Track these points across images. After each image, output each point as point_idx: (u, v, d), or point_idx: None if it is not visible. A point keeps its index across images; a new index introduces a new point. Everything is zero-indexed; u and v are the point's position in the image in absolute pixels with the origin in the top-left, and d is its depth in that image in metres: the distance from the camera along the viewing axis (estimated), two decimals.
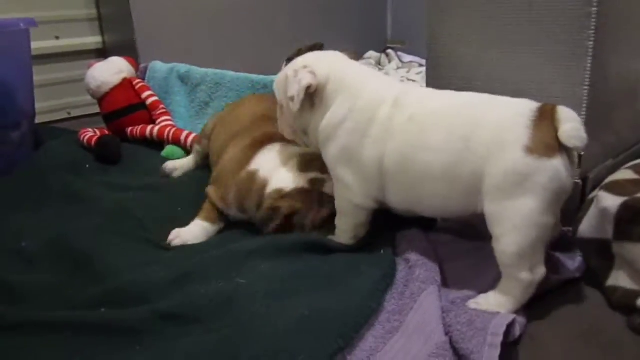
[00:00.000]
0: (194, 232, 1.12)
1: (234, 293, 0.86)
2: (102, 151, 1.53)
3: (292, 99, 0.96)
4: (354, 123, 0.94)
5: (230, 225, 1.18)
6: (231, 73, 1.68)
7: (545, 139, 0.81)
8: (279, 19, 2.39)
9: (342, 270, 0.93)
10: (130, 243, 1.10)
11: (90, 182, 1.40)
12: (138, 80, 1.74)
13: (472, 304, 0.85)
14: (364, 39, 2.77)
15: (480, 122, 0.85)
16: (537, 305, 0.88)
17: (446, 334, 0.79)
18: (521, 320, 0.82)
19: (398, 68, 2.60)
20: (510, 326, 0.78)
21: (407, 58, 2.72)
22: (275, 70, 2.13)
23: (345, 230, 1.01)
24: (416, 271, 0.92)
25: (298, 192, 1.03)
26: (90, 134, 1.61)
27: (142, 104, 1.70)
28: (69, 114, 2.15)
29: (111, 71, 1.72)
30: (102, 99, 1.73)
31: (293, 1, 2.43)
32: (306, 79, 0.95)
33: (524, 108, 0.85)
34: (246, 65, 1.90)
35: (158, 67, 1.84)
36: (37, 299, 0.95)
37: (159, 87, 1.79)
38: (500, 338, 0.76)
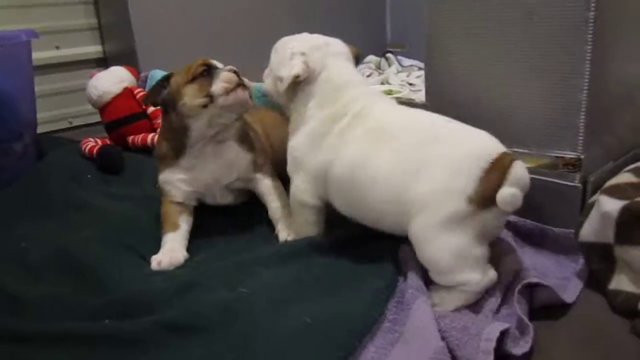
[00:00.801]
0: (168, 248, 1.08)
1: (237, 303, 0.86)
2: (104, 161, 1.54)
3: (280, 79, 1.01)
4: (317, 126, 0.99)
5: (229, 235, 1.18)
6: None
7: (487, 192, 0.82)
8: (278, 25, 2.40)
9: (344, 279, 0.94)
10: (132, 254, 1.11)
11: (92, 192, 1.41)
12: (139, 90, 1.75)
13: (435, 298, 0.87)
14: (364, 42, 2.76)
15: (434, 160, 0.86)
16: (538, 309, 0.88)
17: (442, 339, 0.79)
18: (529, 332, 0.81)
19: (398, 72, 2.60)
20: (504, 333, 0.79)
21: (407, 62, 2.72)
22: None
23: (296, 229, 1.08)
24: (409, 278, 0.92)
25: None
26: (91, 144, 1.62)
27: (143, 113, 1.71)
28: (70, 123, 2.16)
29: (112, 80, 1.73)
30: (103, 108, 1.74)
31: (292, 7, 2.44)
32: (296, 69, 0.99)
33: (482, 154, 0.85)
34: (245, 72, 1.90)
35: (158, 75, 1.84)
36: (40, 310, 0.95)
37: None
38: (493, 344, 0.76)
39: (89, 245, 1.14)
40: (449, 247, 0.84)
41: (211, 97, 1.07)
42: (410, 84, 2.35)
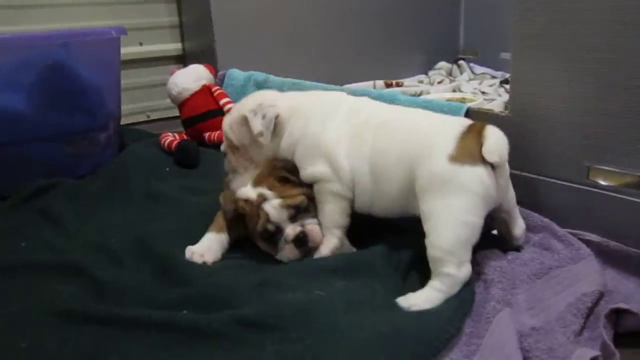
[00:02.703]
0: (203, 245, 1.11)
1: (314, 304, 0.87)
2: (182, 156, 1.59)
3: (260, 133, 1.07)
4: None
5: None
6: (308, 83, 1.71)
7: (468, 149, 0.92)
8: (352, 28, 2.41)
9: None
10: None
11: (171, 185, 1.46)
12: (216, 87, 1.80)
13: (403, 301, 0.89)
14: (435, 48, 2.74)
15: (416, 128, 0.99)
16: (621, 334, 0.85)
17: (524, 359, 0.77)
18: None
19: (470, 79, 2.55)
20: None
21: (479, 69, 2.67)
22: (350, 80, 2.16)
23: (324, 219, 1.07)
24: (492, 290, 0.91)
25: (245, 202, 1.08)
26: (170, 138, 1.68)
27: (219, 110, 1.76)
28: (148, 116, 2.25)
29: (191, 78, 1.79)
30: (182, 104, 1.80)
31: (364, 12, 2.44)
32: (272, 111, 1.07)
33: (456, 123, 0.98)
34: (320, 73, 1.93)
35: (236, 74, 1.89)
36: (123, 296, 0.99)
37: (236, 94, 1.84)
38: None
39: (168, 237, 1.18)
40: (452, 211, 0.90)
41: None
42: (483, 92, 2.30)
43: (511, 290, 0.91)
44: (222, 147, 1.17)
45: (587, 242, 1.05)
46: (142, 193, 1.42)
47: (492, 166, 0.92)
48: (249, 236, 1.11)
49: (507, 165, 0.96)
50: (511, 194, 1.02)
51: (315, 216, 1.07)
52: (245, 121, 1.08)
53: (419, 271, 1.00)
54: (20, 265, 1.11)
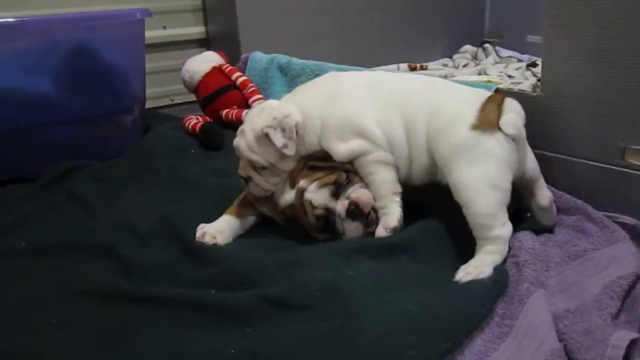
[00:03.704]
0: (217, 227, 1.10)
1: (343, 284, 0.86)
2: (206, 138, 1.59)
3: (285, 145, 1.04)
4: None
5: None
6: (331, 65, 1.69)
7: (488, 118, 0.96)
8: (375, 11, 2.38)
9: (451, 271, 0.92)
10: None
11: (196, 166, 1.46)
12: (226, 65, 1.80)
13: (465, 275, 0.89)
14: (460, 31, 2.70)
15: (439, 102, 1.02)
16: None
17: (560, 341, 0.76)
18: None
19: (495, 63, 2.50)
20: (633, 342, 0.74)
21: (505, 53, 2.61)
22: (374, 63, 2.14)
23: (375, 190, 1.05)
24: (525, 272, 0.89)
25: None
26: (194, 121, 1.67)
27: (233, 85, 1.75)
28: (171, 100, 2.25)
29: (200, 61, 1.80)
30: (196, 89, 1.81)
31: None
32: (290, 121, 1.04)
33: (477, 95, 1.02)
34: (344, 57, 1.90)
35: (259, 57, 1.88)
36: (150, 275, 0.99)
37: (259, 77, 1.83)
38: (622, 352, 0.72)
39: (193, 217, 1.18)
40: (483, 177, 0.93)
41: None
42: (510, 76, 2.26)
43: (544, 272, 0.89)
44: (243, 174, 1.10)
45: (622, 225, 1.02)
46: (167, 175, 1.42)
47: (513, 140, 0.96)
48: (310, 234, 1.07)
49: (524, 134, 0.98)
50: (533, 163, 1.02)
51: (359, 182, 1.05)
52: (265, 138, 1.05)
53: (459, 245, 0.99)
54: (48, 245, 1.12)
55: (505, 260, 0.94)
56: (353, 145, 1.04)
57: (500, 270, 0.90)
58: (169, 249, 1.09)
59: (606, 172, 1.09)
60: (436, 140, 0.99)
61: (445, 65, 2.51)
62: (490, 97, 1.01)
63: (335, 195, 1.02)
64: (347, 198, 1.01)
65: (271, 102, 1.13)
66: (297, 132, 1.05)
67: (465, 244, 0.98)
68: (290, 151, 1.04)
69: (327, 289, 0.86)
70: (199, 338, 0.82)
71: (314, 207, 1.02)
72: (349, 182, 1.04)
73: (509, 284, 0.87)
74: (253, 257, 1.00)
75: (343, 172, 1.05)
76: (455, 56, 2.65)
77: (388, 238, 0.99)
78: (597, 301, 0.83)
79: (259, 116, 1.07)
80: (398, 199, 1.04)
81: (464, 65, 2.47)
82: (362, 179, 1.06)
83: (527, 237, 0.98)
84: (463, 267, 0.92)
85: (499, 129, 0.95)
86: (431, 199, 1.08)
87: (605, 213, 1.05)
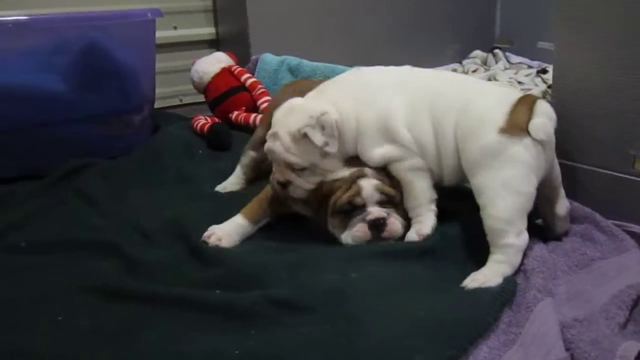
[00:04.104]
0: (227, 229, 1.09)
1: (347, 286, 0.86)
2: (214, 138, 1.59)
3: (326, 143, 1.02)
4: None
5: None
6: (341, 67, 1.69)
7: (518, 122, 0.94)
8: (385, 15, 2.38)
9: (455, 278, 0.92)
10: None
11: (203, 167, 1.46)
12: (235, 67, 1.81)
13: (471, 282, 0.90)
14: (470, 37, 2.68)
15: (468, 103, 0.99)
16: None
17: (567, 350, 0.75)
18: None
19: (505, 69, 2.49)
20: None
21: (515, 59, 2.60)
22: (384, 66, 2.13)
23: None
24: (532, 279, 0.88)
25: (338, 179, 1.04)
26: (202, 121, 1.68)
27: (242, 86, 1.76)
28: (180, 100, 2.25)
29: (210, 62, 1.81)
30: (205, 89, 1.81)
31: None
32: (329, 118, 1.02)
33: (507, 96, 0.99)
34: (353, 59, 1.90)
35: (269, 59, 1.88)
36: (155, 274, 1.00)
37: (268, 78, 1.83)
38: None
39: (199, 218, 1.18)
40: (506, 182, 0.92)
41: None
42: (520, 82, 2.25)
43: (552, 281, 0.89)
44: (281, 178, 1.06)
45: (631, 234, 1.01)
46: (174, 175, 1.42)
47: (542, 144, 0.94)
48: (314, 218, 1.07)
49: (553, 139, 0.96)
50: (557, 170, 1.01)
51: (400, 214, 1.04)
52: (303, 138, 1.02)
53: (474, 251, 0.99)
54: (54, 242, 1.13)
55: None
56: (386, 150, 1.03)
57: (509, 280, 0.89)
58: (174, 248, 1.09)
59: (616, 180, 1.08)
60: (464, 142, 0.97)
61: (455, 70, 2.50)
62: (521, 99, 0.98)
63: (380, 203, 1.02)
64: (387, 214, 1.01)
65: (298, 101, 1.09)
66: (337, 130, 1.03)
67: (484, 251, 0.96)
68: (332, 148, 1.02)
69: (332, 291, 0.85)
70: (203, 338, 0.82)
71: (358, 194, 1.01)
72: (396, 207, 1.04)
73: (516, 293, 0.87)
74: (259, 258, 1.00)
75: (400, 195, 1.05)
76: (464, 61, 2.63)
77: (397, 243, 0.99)
78: (605, 310, 0.82)
79: (290, 117, 1.05)
80: (433, 206, 1.04)
81: (474, 71, 2.47)
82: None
83: (535, 245, 0.97)
84: (472, 274, 0.91)
85: (528, 133, 0.93)
86: (456, 204, 1.08)
87: (614, 222, 1.04)
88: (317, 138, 1.01)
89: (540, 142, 0.93)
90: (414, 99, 1.03)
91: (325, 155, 1.04)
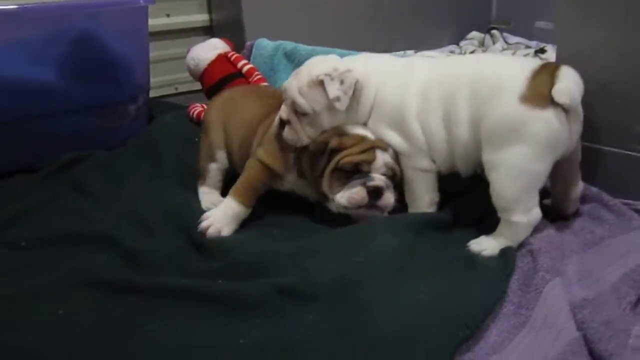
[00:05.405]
0: (225, 219, 1.06)
1: (352, 272, 0.85)
2: None
3: (337, 98, 1.00)
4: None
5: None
6: (337, 51, 1.66)
7: (540, 90, 0.87)
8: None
9: (459, 258, 0.91)
10: None
11: None
12: (232, 53, 1.78)
13: (475, 245, 0.92)
14: (467, 18, 2.65)
15: (486, 67, 0.95)
16: None
17: (578, 330, 0.73)
18: None
19: (503, 49, 2.47)
20: None
21: (512, 39, 2.57)
22: (380, 50, 2.09)
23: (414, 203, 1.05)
24: (540, 260, 0.87)
25: (353, 137, 1.03)
26: (199, 109, 1.65)
27: (238, 73, 1.73)
28: (176, 89, 2.22)
29: (206, 48, 1.78)
30: (201, 76, 1.78)
31: None
32: (351, 76, 1.01)
33: (526, 62, 0.93)
34: (349, 43, 1.87)
35: (264, 44, 1.85)
36: (154, 265, 0.98)
37: (264, 64, 1.80)
38: None
39: (197, 206, 1.17)
40: (517, 160, 0.88)
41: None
42: None
43: (560, 260, 0.87)
44: (283, 115, 1.06)
45: (639, 212, 1.00)
46: (170, 164, 1.40)
47: (564, 109, 0.88)
48: (305, 175, 1.07)
49: (580, 109, 0.91)
50: (579, 150, 0.98)
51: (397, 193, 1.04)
52: (318, 85, 1.02)
53: (482, 230, 0.98)
54: (53, 236, 1.11)
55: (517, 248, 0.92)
56: (396, 141, 1.02)
57: (505, 252, 0.90)
58: (175, 239, 1.07)
59: (623, 158, 1.07)
60: (482, 110, 0.91)
61: (452, 52, 2.47)
62: (543, 65, 0.91)
63: (389, 177, 1.02)
64: (387, 187, 1.01)
65: (336, 56, 1.10)
66: (354, 91, 1.01)
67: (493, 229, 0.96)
68: (341, 105, 1.01)
69: (337, 278, 0.84)
70: (207, 329, 0.80)
71: (368, 162, 1.00)
72: (394, 189, 1.03)
73: (520, 268, 0.86)
74: (261, 246, 0.98)
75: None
76: (462, 43, 2.61)
77: (393, 221, 0.98)
78: (615, 289, 0.81)
79: (320, 64, 1.05)
80: (432, 210, 1.04)
81: (471, 52, 2.44)
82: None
83: (541, 225, 0.95)
84: (480, 238, 0.93)
85: (551, 101, 0.86)
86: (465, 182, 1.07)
87: (622, 200, 1.03)
88: (331, 89, 1.01)
89: (564, 111, 0.87)
90: (426, 84, 1.00)
91: (331, 109, 1.03)
